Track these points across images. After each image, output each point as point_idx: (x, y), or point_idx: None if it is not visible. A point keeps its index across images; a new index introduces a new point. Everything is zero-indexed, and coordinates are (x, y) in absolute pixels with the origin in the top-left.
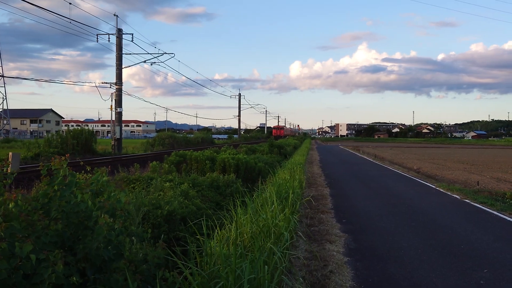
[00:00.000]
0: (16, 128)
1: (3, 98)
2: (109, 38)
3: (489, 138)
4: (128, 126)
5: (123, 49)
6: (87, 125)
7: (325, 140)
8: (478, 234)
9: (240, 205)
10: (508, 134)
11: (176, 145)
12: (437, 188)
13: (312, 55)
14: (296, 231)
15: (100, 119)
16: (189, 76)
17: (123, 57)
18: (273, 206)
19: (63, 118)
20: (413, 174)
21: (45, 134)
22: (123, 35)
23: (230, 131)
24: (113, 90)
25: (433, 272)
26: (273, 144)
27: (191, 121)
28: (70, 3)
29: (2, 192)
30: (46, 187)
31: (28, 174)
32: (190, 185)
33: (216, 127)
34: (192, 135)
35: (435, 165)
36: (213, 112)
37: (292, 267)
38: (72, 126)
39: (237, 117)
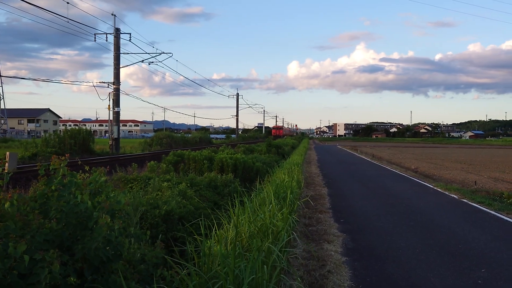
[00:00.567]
0: (14, 128)
1: (0, 97)
2: (107, 38)
3: (487, 138)
4: (126, 125)
5: (121, 48)
6: (85, 125)
7: (323, 140)
8: (476, 233)
9: (238, 205)
10: (505, 134)
11: (174, 145)
12: (435, 188)
13: (310, 55)
14: (294, 231)
15: (98, 119)
16: (187, 75)
17: (121, 57)
18: (271, 205)
19: (61, 117)
20: (411, 174)
21: (43, 134)
22: (121, 35)
23: (228, 131)
24: (110, 89)
25: (431, 272)
26: (271, 144)
27: (189, 121)
28: (68, 3)
29: None
30: (44, 187)
31: (26, 174)
32: (188, 185)
33: (214, 126)
34: (190, 135)
35: (432, 165)
36: (211, 112)
37: (290, 267)
38: (70, 125)
39: (235, 117)
